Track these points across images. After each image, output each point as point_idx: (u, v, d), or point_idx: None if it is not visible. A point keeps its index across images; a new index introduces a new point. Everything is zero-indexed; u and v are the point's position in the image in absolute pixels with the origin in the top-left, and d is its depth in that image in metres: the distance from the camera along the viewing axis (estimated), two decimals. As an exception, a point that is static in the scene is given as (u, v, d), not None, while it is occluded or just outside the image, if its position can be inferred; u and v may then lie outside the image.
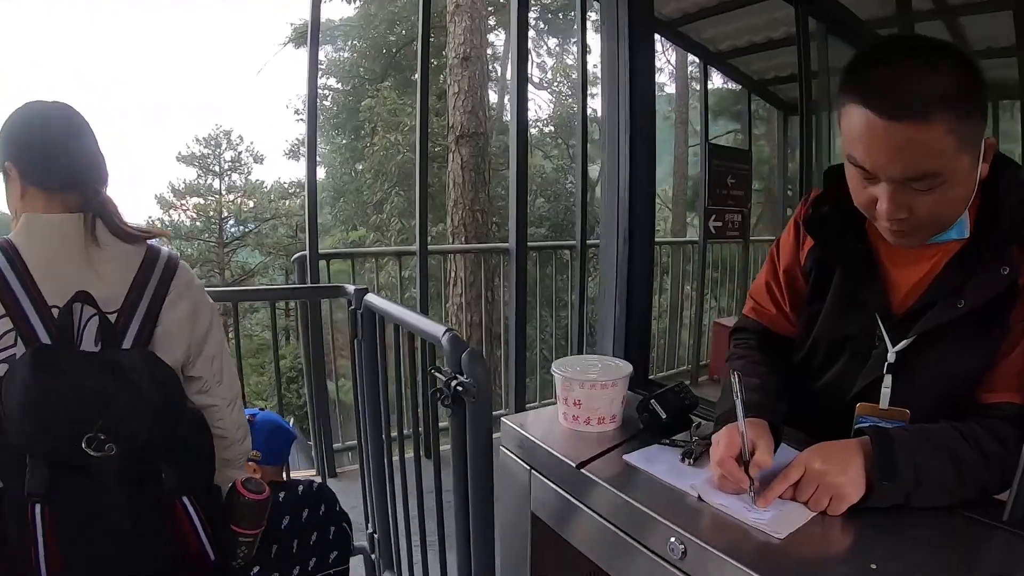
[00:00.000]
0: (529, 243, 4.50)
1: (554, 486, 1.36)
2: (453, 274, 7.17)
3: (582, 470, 1.27)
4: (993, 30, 5.14)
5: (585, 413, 1.48)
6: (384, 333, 2.36)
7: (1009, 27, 4.93)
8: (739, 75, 6.29)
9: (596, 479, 1.25)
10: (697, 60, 6.08)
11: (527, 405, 4.50)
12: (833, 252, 1.25)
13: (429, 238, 4.16)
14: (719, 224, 5.63)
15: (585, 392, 1.47)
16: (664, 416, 1.44)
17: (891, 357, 1.16)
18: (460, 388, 1.68)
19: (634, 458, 1.32)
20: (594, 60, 7.59)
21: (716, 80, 6.26)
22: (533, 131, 13.98)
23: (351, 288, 2.47)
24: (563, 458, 1.34)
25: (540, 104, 14.72)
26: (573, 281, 4.97)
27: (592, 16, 5.45)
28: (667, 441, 1.39)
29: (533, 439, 1.45)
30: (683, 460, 1.30)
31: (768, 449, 1.13)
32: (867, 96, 0.98)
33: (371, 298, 2.35)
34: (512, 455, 1.52)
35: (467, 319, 7.03)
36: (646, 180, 1.97)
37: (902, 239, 1.10)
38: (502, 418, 1.57)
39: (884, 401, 1.17)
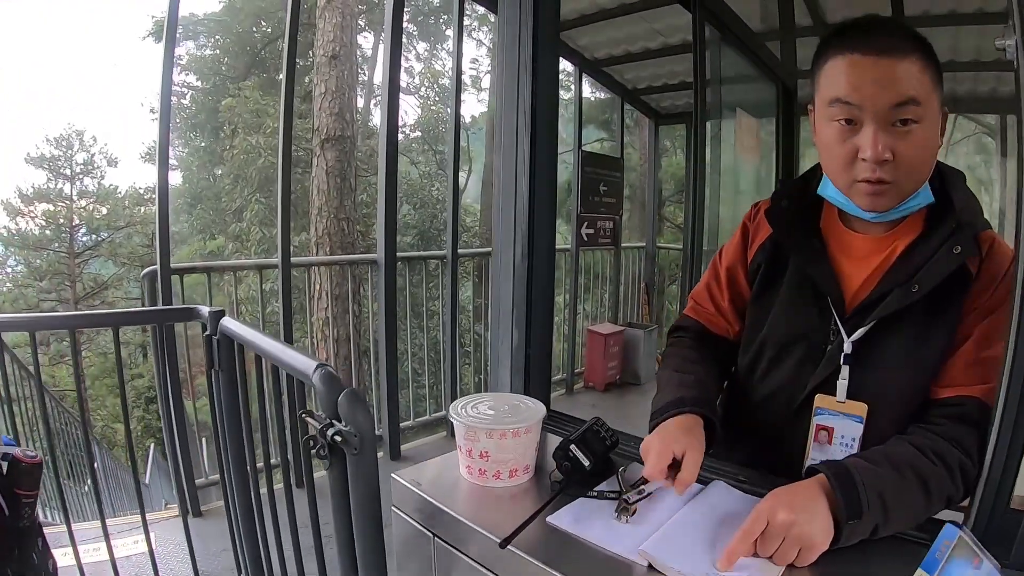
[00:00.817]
0: (398, 253, 4.30)
1: (471, 562, 1.14)
2: (318, 287, 6.82)
3: (508, 547, 1.04)
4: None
5: (494, 466, 1.27)
6: (244, 360, 2.08)
7: None
8: (613, 83, 6.29)
9: (524, 556, 1.04)
10: (572, 67, 6.04)
11: (401, 425, 4.31)
12: (789, 240, 1.26)
13: (292, 248, 3.85)
14: (591, 231, 5.65)
15: (494, 442, 1.25)
16: (588, 463, 1.26)
17: (847, 348, 1.17)
18: (338, 438, 1.41)
19: (562, 520, 1.13)
20: (465, 65, 7.40)
21: (584, 88, 6.25)
22: (400, 136, 13.75)
23: (206, 310, 2.15)
24: (480, 530, 1.12)
25: (406, 109, 14.45)
26: (443, 292, 4.81)
27: (466, 20, 5.28)
28: (594, 493, 1.21)
29: (436, 503, 1.22)
30: (618, 518, 1.12)
31: (696, 463, 1.13)
32: (856, 43, 1.07)
33: (229, 323, 2.04)
34: (409, 519, 1.28)
35: (333, 334, 6.70)
36: (547, 190, 1.76)
37: (880, 199, 1.11)
38: (392, 475, 1.33)
39: (841, 394, 1.17)
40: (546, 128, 1.75)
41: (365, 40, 13.34)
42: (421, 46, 15.36)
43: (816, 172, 1.26)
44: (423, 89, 15.16)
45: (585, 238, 5.62)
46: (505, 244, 1.75)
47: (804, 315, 1.24)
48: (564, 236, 5.89)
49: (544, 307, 1.79)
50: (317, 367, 1.50)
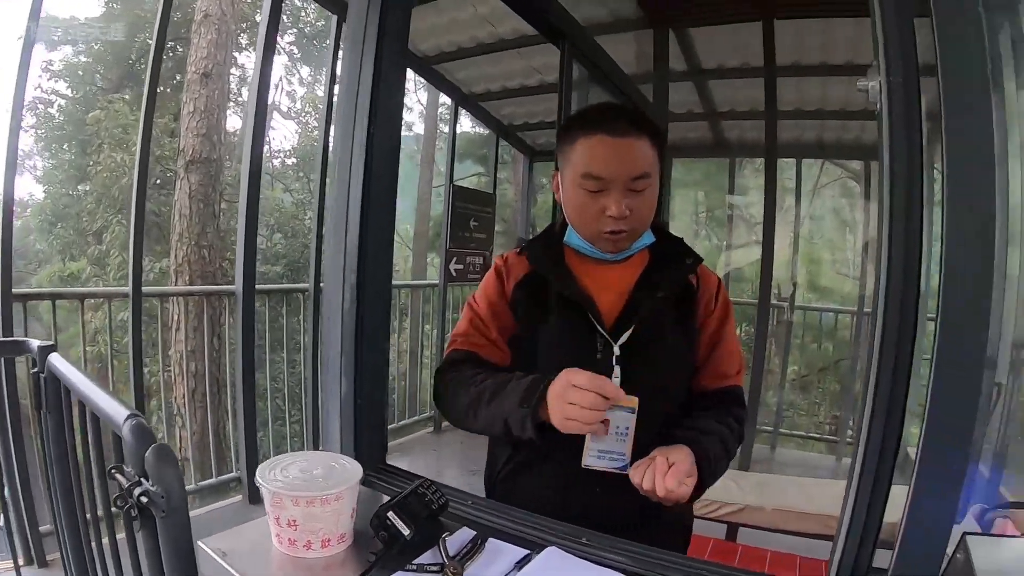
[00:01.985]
0: (259, 285, 4.06)
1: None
2: (177, 317, 6.38)
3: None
4: (735, 95, 5.79)
5: (304, 536, 1.13)
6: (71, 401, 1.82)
7: (751, 94, 5.53)
8: (489, 119, 6.29)
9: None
10: (449, 100, 5.99)
11: (259, 465, 3.98)
12: (551, 272, 1.47)
13: (152, 275, 3.56)
14: (460, 267, 5.59)
15: (301, 510, 1.12)
16: (408, 532, 1.14)
17: (617, 351, 1.39)
18: (144, 498, 1.22)
19: (377, 600, 1.01)
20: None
21: (465, 123, 6.22)
22: (275, 162, 13.28)
23: (35, 344, 1.88)
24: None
25: (286, 135, 13.95)
26: (308, 325, 4.56)
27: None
28: (413, 567, 1.10)
29: (241, 576, 1.06)
30: None
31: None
32: (602, 127, 1.35)
33: (56, 360, 1.78)
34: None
35: (192, 368, 6.28)
36: (382, 226, 1.60)
37: (621, 243, 1.41)
38: (199, 542, 1.16)
39: None
40: (385, 158, 1.62)
41: (248, 59, 12.74)
42: (305, 70, 14.91)
43: (555, 227, 1.58)
44: (304, 115, 14.72)
45: (454, 273, 5.54)
46: (333, 286, 1.60)
47: (573, 333, 1.43)
48: (436, 269, 5.81)
49: (376, 354, 1.65)
50: (128, 417, 1.30)
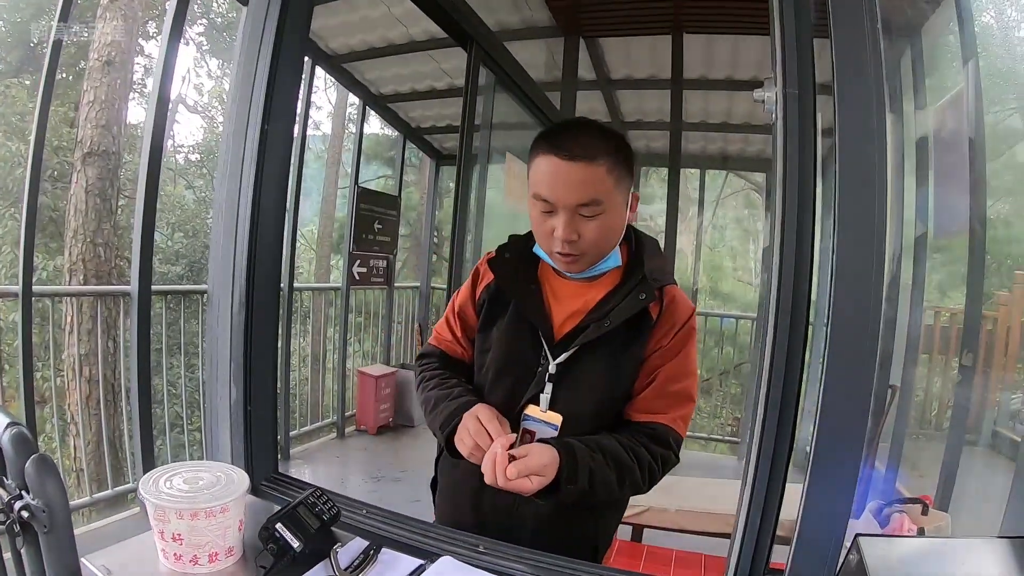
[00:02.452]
0: (158, 286, 3.86)
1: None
2: (70, 319, 6.02)
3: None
4: (642, 105, 5.91)
5: (190, 551, 1.08)
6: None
7: (658, 104, 5.65)
8: (397, 121, 6.22)
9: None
10: (358, 101, 5.88)
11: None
12: (509, 285, 1.48)
13: (45, 274, 3.33)
14: (363, 270, 5.51)
15: (186, 524, 1.06)
16: (297, 545, 1.09)
17: (552, 369, 1.40)
18: (25, 513, 1.12)
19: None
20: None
21: (373, 124, 6.12)
22: (179, 158, 12.71)
23: None
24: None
25: (192, 129, 13.35)
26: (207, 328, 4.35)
27: None
28: (304, 580, 1.06)
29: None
30: None
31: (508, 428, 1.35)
32: (555, 147, 1.31)
33: None
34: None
35: (86, 373, 5.93)
36: (274, 227, 1.55)
37: (573, 265, 1.40)
38: (82, 559, 1.07)
39: (544, 405, 1.39)
40: (279, 156, 1.56)
41: (155, 48, 12.09)
42: (213, 63, 14.32)
43: (532, 234, 1.49)
44: (211, 109, 14.14)
45: (357, 276, 5.46)
46: (221, 288, 1.53)
47: (520, 343, 1.45)
48: (340, 272, 5.68)
49: (266, 359, 1.59)
50: (8, 426, 1.20)
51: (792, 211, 1.11)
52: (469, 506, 1.49)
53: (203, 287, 4.56)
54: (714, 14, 4.44)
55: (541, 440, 1.34)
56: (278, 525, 1.10)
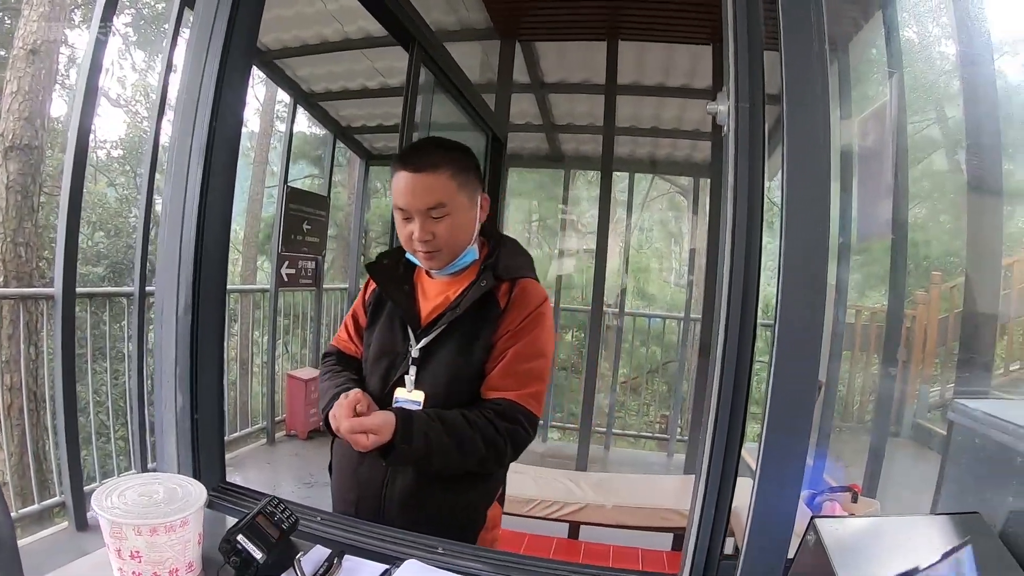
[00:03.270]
0: (80, 288, 3.69)
1: None
2: (-11, 323, 5.68)
3: None
4: (574, 109, 5.96)
5: (150, 568, 1.04)
6: None
7: (590, 108, 5.73)
8: (328, 119, 6.13)
9: None
10: (288, 98, 5.76)
11: (86, 488, 3.60)
12: (385, 287, 1.71)
13: None
14: (292, 271, 5.41)
15: (145, 540, 1.02)
16: (260, 556, 1.08)
17: (415, 353, 1.61)
18: None
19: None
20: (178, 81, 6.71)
21: (301, 122, 6.00)
22: (100, 153, 12.05)
23: None
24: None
25: (114, 124, 12.63)
26: (132, 332, 4.18)
27: (188, 31, 4.75)
28: (269, 591, 1.04)
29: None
30: None
31: (371, 402, 1.53)
32: (405, 162, 1.56)
33: None
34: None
35: (7, 381, 5.62)
36: (220, 229, 1.55)
37: (433, 261, 1.62)
38: None
39: (409, 385, 1.60)
40: (226, 154, 1.54)
41: (80, 38, 11.43)
42: (139, 55, 13.65)
43: None
44: (134, 103, 13.47)
45: (285, 278, 5.37)
46: (167, 291, 1.49)
47: (392, 335, 1.67)
48: (266, 274, 5.54)
49: (213, 364, 1.56)
50: None
51: (742, 217, 1.15)
52: (350, 483, 1.66)
53: (127, 289, 4.38)
54: (649, 23, 4.55)
55: None
56: (239, 536, 1.08)
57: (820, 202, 1.11)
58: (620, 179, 6.97)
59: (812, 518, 1.01)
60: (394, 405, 1.58)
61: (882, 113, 3.56)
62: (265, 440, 5.48)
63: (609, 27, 4.76)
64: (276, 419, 5.58)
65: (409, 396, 1.58)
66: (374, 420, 1.42)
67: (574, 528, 3.55)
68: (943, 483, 1.29)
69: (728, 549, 1.24)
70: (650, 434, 7.04)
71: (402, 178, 1.55)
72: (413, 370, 1.60)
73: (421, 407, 1.55)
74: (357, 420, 1.42)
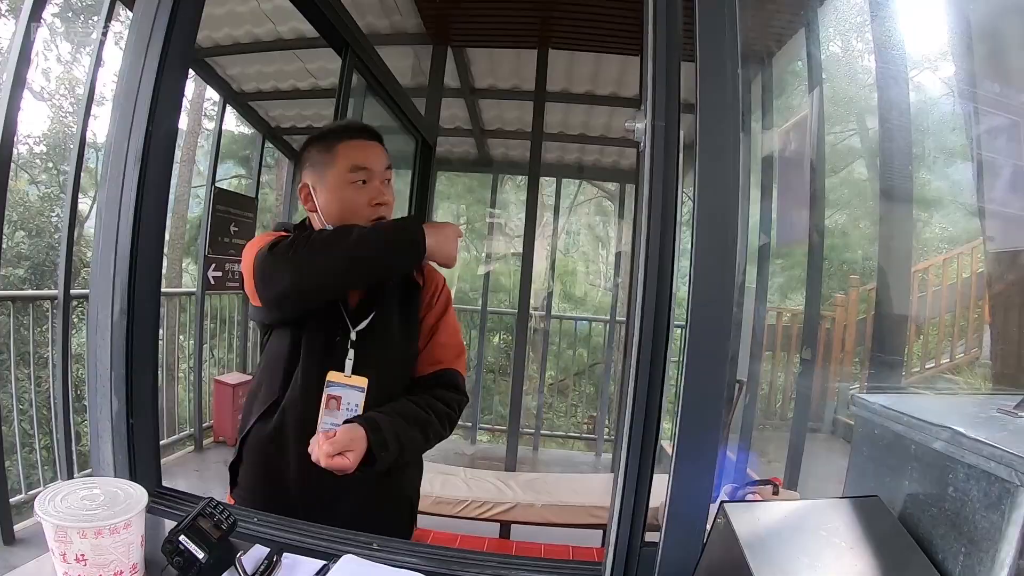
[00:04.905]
0: (1, 291, 3.56)
1: None
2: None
3: None
4: (502, 114, 6.05)
5: (95, 571, 1.05)
6: None
7: (519, 115, 5.81)
8: (257, 119, 6.06)
9: None
10: (217, 96, 5.66)
11: (12, 500, 3.50)
12: None
13: None
14: (219, 274, 5.35)
15: (90, 543, 1.04)
16: (203, 555, 1.11)
17: (353, 336, 1.62)
18: None
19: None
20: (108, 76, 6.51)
21: (229, 121, 5.89)
22: (22, 148, 11.47)
23: None
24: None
25: (38, 118, 11.93)
26: (56, 336, 4.04)
27: (118, 26, 4.59)
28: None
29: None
30: None
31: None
32: (359, 132, 1.72)
33: None
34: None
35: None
36: (156, 230, 1.56)
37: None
38: None
39: (348, 369, 1.60)
40: (162, 157, 1.54)
41: (4, 26, 10.83)
42: (64, 47, 12.98)
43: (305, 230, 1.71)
44: (57, 97, 12.82)
45: (212, 281, 5.29)
46: (102, 295, 1.49)
47: (328, 320, 1.63)
48: (192, 277, 5.42)
49: (148, 368, 1.56)
50: None
51: (656, 226, 1.22)
52: (278, 485, 1.65)
53: (50, 292, 4.25)
54: (579, 33, 4.66)
55: (347, 410, 1.58)
56: (182, 537, 1.10)
57: (729, 209, 1.19)
58: (548, 183, 7.08)
59: (721, 504, 1.09)
60: (329, 391, 1.59)
61: (803, 124, 3.74)
62: (193, 447, 5.38)
63: (540, 35, 4.85)
64: (204, 425, 5.48)
65: (348, 382, 1.59)
66: (343, 438, 1.46)
67: (505, 528, 3.61)
68: (849, 471, 1.40)
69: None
70: (578, 434, 7.15)
71: (361, 145, 1.68)
72: (352, 353, 1.61)
73: (364, 392, 1.59)
74: (330, 444, 1.44)
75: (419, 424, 1.59)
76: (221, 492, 1.68)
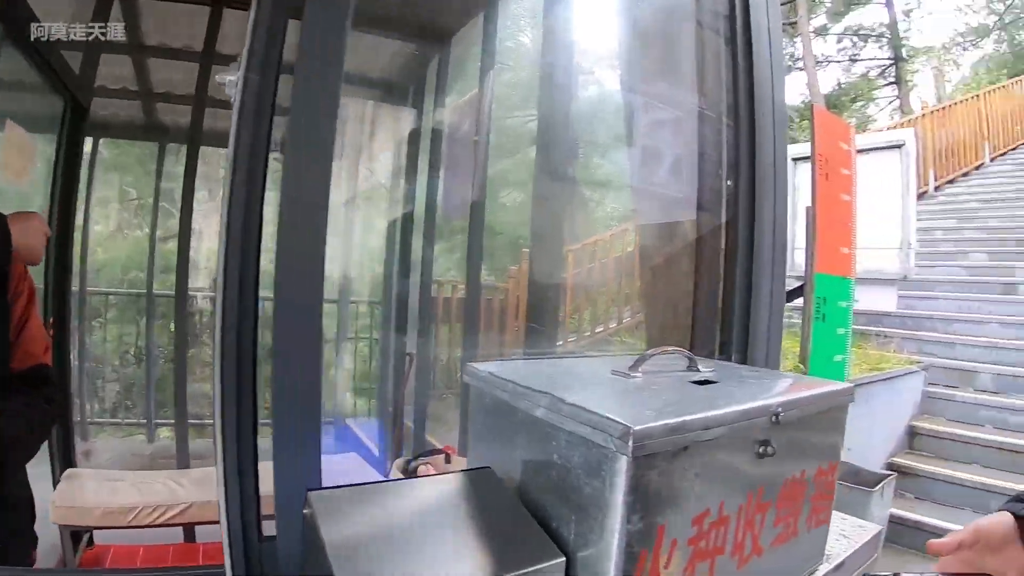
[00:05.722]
0: None
1: None
2: None
3: None
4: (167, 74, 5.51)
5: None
6: None
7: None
8: None
9: None
10: None
11: None
12: None
13: None
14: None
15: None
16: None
17: None
18: None
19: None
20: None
21: None
22: None
23: None
24: None
25: None
26: None
27: None
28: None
29: None
30: None
31: None
32: None
33: None
34: None
35: None
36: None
37: None
38: None
39: None
40: None
41: None
42: None
43: None
44: None
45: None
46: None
47: None
48: None
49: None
50: None
51: (240, 195, 1.13)
52: None
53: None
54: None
55: None
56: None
57: (321, 179, 1.12)
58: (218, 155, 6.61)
59: (307, 491, 1.02)
60: None
61: (472, 105, 3.84)
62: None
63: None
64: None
65: None
66: None
67: (189, 530, 3.33)
68: (468, 442, 1.37)
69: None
70: (267, 421, 6.84)
71: None
72: None
73: None
74: None
75: (32, 427, 1.46)
76: None
